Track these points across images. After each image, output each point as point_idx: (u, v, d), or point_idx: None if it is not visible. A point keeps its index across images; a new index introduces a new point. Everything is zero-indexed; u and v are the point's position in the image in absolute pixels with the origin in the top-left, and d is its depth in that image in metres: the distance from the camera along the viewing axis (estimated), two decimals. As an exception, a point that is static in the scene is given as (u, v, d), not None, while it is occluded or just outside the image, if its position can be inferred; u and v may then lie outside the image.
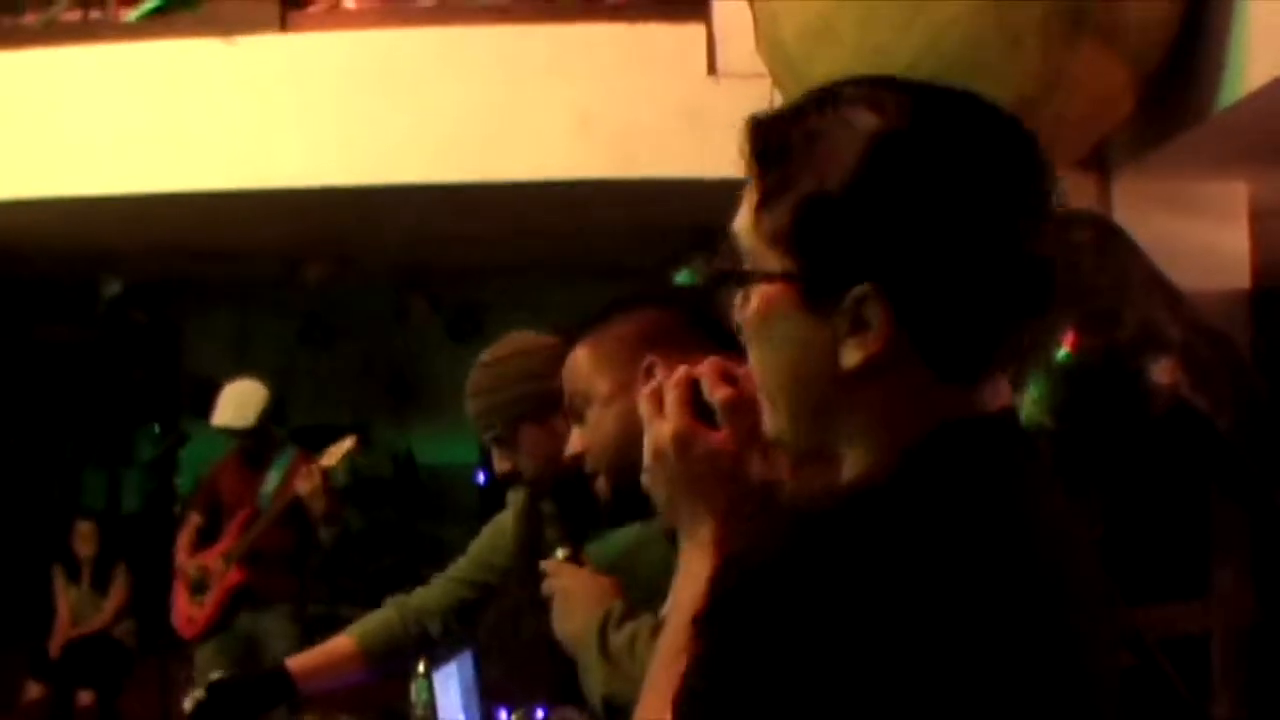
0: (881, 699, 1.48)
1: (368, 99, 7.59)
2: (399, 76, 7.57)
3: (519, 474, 3.82)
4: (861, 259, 1.63)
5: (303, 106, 7.64)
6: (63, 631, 11.38)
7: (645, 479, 2.03)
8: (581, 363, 3.08)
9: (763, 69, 6.02)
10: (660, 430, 1.98)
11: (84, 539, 11.55)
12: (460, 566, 4.51)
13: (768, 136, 1.74)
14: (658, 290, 3.00)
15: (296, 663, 4.37)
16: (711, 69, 7.25)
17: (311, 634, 7.65)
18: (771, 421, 1.79)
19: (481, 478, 3.94)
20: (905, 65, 5.16)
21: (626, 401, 2.94)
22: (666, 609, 2.05)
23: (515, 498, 4.36)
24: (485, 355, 4.17)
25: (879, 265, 1.63)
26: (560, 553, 3.26)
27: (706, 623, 1.58)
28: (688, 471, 1.97)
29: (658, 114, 7.23)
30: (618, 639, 2.87)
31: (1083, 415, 4.51)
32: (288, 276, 10.42)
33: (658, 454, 1.97)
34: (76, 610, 11.43)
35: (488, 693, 5.26)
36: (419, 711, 4.60)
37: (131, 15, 8.19)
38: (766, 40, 5.80)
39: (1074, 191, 6.18)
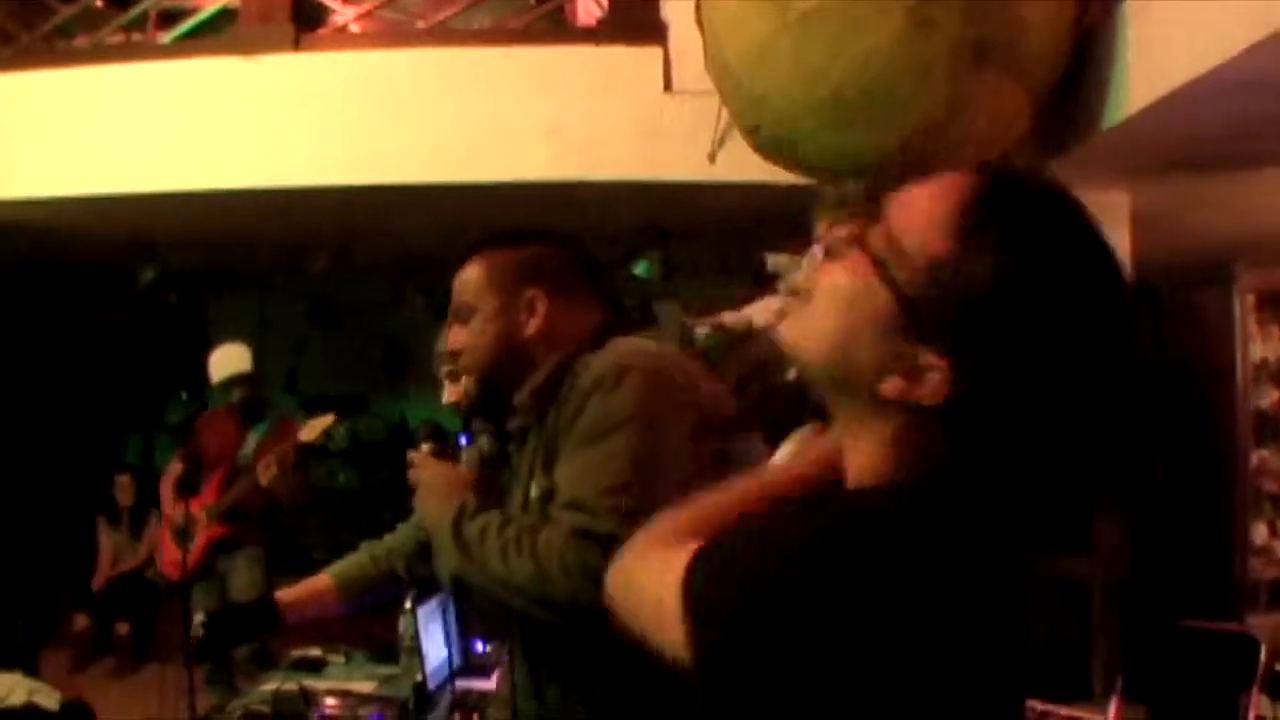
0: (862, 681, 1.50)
1: (370, 110, 7.57)
2: (397, 91, 7.56)
3: (460, 404, 3.84)
4: (961, 337, 1.57)
5: (313, 116, 7.63)
6: (105, 570, 11.48)
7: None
8: (474, 276, 3.22)
9: (712, 87, 6.03)
10: None
11: (123, 489, 11.77)
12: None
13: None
14: (548, 230, 3.06)
15: (283, 595, 4.39)
16: (667, 86, 7.24)
17: (272, 574, 7.74)
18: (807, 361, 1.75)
19: (464, 440, 3.94)
20: (833, 87, 5.18)
21: (504, 320, 3.13)
22: None
23: (467, 451, 4.37)
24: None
25: (970, 349, 1.57)
26: (425, 446, 3.33)
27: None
28: None
29: (620, 125, 7.22)
30: (470, 529, 2.95)
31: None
32: (298, 265, 10.40)
33: None
34: (117, 551, 11.49)
35: (466, 627, 5.27)
36: (406, 643, 4.60)
37: (167, 38, 8.17)
38: (714, 62, 5.81)
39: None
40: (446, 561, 3.00)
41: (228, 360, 8.28)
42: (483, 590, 2.92)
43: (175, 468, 8.59)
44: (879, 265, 1.63)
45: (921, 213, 1.66)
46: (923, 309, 1.59)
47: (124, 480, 11.88)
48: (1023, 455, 1.62)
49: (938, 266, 1.58)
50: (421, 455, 3.31)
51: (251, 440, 8.23)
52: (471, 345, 3.19)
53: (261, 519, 8.03)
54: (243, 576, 8.13)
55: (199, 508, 8.11)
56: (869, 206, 1.77)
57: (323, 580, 4.49)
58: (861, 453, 1.69)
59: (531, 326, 3.12)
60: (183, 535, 8.01)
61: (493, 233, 3.31)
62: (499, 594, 2.87)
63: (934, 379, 1.57)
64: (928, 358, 1.57)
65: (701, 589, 1.60)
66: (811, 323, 1.71)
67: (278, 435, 8.16)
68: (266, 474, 7.80)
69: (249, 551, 7.87)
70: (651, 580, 1.75)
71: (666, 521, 1.86)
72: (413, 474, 3.29)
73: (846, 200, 4.82)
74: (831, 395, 1.73)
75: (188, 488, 8.19)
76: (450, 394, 4.23)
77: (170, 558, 8.26)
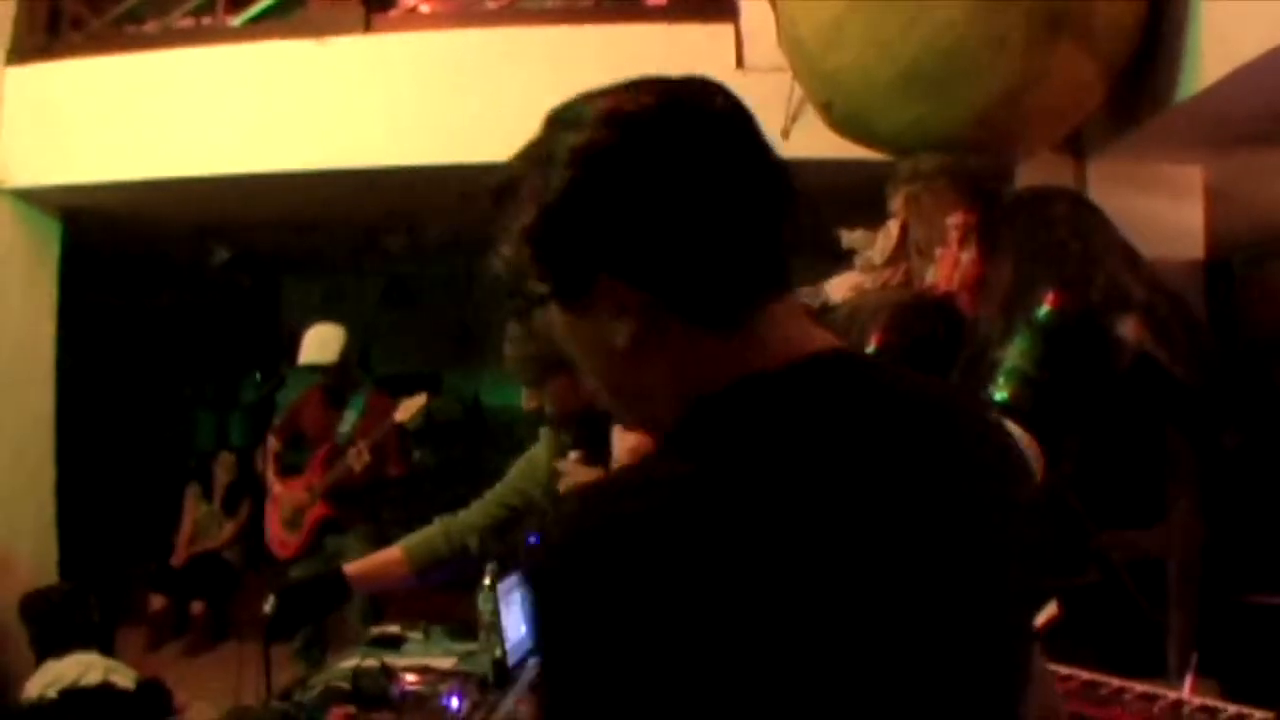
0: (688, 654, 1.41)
1: (440, 90, 7.59)
2: (468, 70, 7.56)
3: (543, 411, 3.82)
4: (589, 258, 1.64)
5: (384, 97, 7.66)
6: (184, 547, 11.58)
7: None
8: None
9: (784, 63, 6.01)
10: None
11: (225, 467, 11.97)
12: (497, 491, 4.56)
13: (499, 183, 1.79)
14: None
15: (352, 568, 4.44)
16: (740, 63, 7.23)
17: None
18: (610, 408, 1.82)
19: (538, 418, 4.00)
20: (908, 61, 5.15)
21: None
22: None
23: (545, 432, 4.37)
24: None
25: (605, 257, 1.63)
26: (573, 455, 3.30)
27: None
28: None
29: (692, 104, 7.22)
30: None
31: (1062, 366, 4.49)
32: (370, 245, 10.43)
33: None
34: (201, 526, 11.59)
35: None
36: (486, 619, 4.61)
37: (237, 21, 8.20)
38: (787, 38, 5.79)
39: (1053, 171, 6.17)
40: None
41: (314, 346, 8.30)
42: None
43: (273, 445, 8.65)
44: (527, 300, 1.77)
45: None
46: (557, 277, 1.69)
47: (227, 458, 12.06)
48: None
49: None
50: (571, 464, 3.30)
51: (348, 419, 8.26)
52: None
53: (369, 497, 8.04)
54: (357, 556, 8.15)
55: (304, 488, 8.18)
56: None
57: (394, 553, 4.53)
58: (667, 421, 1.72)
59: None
60: (293, 521, 8.09)
61: None
62: None
63: (619, 293, 1.63)
64: (598, 296, 1.65)
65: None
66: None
67: (372, 413, 8.20)
68: (360, 460, 7.85)
69: (361, 530, 7.89)
70: None
71: None
72: (562, 482, 3.28)
73: (921, 174, 4.79)
74: (639, 409, 1.79)
75: (290, 469, 8.27)
76: (530, 400, 4.23)
77: (278, 536, 8.32)
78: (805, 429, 1.57)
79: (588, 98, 1.75)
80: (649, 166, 1.63)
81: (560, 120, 1.73)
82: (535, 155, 1.71)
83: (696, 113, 1.70)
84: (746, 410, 1.60)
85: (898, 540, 1.54)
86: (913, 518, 1.57)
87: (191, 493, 11.80)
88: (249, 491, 11.60)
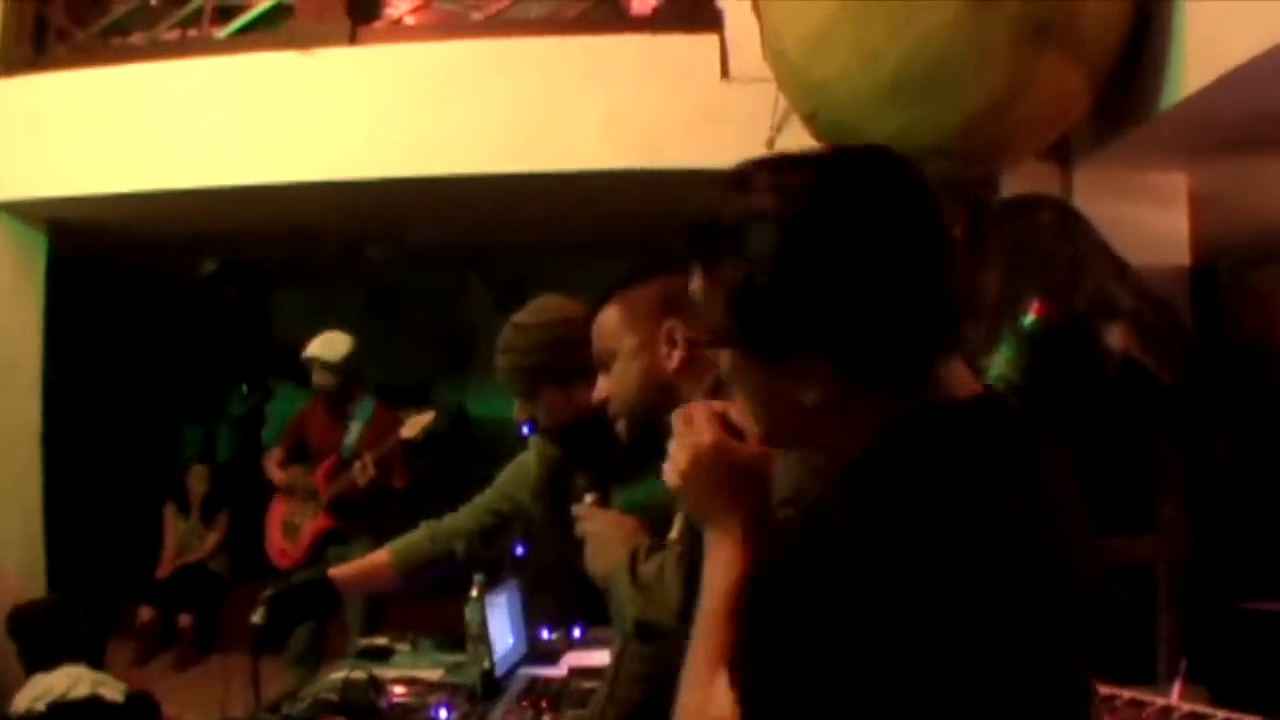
0: (889, 648, 1.60)
1: (426, 102, 7.59)
2: (453, 82, 7.57)
3: (535, 422, 3.81)
4: (792, 331, 1.76)
5: (370, 109, 7.66)
6: (170, 560, 11.57)
7: (677, 480, 2.02)
8: (611, 320, 3.10)
9: (769, 74, 6.02)
10: (699, 440, 1.99)
11: (198, 479, 11.93)
12: (486, 497, 4.56)
13: (696, 234, 1.92)
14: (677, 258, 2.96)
15: (338, 572, 4.44)
16: (724, 73, 7.23)
17: None
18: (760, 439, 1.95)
19: (526, 429, 3.96)
20: (893, 70, 5.16)
21: (648, 357, 3.01)
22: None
23: (536, 441, 4.37)
24: (519, 316, 4.15)
25: (808, 334, 1.76)
26: (589, 498, 3.26)
27: (751, 605, 1.76)
28: (725, 474, 1.98)
29: (677, 113, 7.22)
30: (647, 569, 2.88)
31: (1047, 373, 4.50)
32: (358, 256, 10.43)
33: (696, 461, 1.98)
34: (183, 540, 11.60)
35: (531, 615, 5.28)
36: (473, 630, 4.61)
37: (223, 33, 8.21)
38: (772, 48, 5.80)
39: (1039, 179, 6.18)
40: (629, 609, 2.92)
41: (321, 343, 8.30)
42: (673, 630, 2.84)
43: (277, 453, 8.64)
44: (717, 343, 1.89)
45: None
46: (757, 339, 1.81)
47: (200, 470, 12.03)
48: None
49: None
50: (587, 507, 3.27)
51: (353, 431, 8.25)
52: (617, 390, 3.09)
53: (371, 508, 8.02)
54: None
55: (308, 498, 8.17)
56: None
57: (380, 556, 4.55)
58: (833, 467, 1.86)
59: (675, 359, 3.00)
60: (290, 530, 8.08)
61: (623, 275, 3.17)
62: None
63: (814, 365, 1.78)
64: (794, 363, 1.79)
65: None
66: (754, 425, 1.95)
67: (377, 426, 8.19)
68: (364, 476, 7.85)
69: (364, 541, 7.88)
70: None
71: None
72: (580, 528, 3.26)
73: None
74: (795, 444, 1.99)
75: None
76: (522, 411, 4.22)
77: (278, 546, 8.31)
78: (973, 463, 1.77)
79: (782, 167, 1.85)
80: (853, 243, 1.75)
81: (758, 185, 1.83)
82: (742, 210, 1.82)
83: (889, 187, 1.83)
84: (924, 447, 1.77)
85: (1048, 555, 1.77)
86: (1053, 537, 1.80)
87: (169, 511, 11.79)
88: (226, 502, 11.66)
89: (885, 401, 1.79)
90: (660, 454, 2.52)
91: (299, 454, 8.49)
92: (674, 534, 2.93)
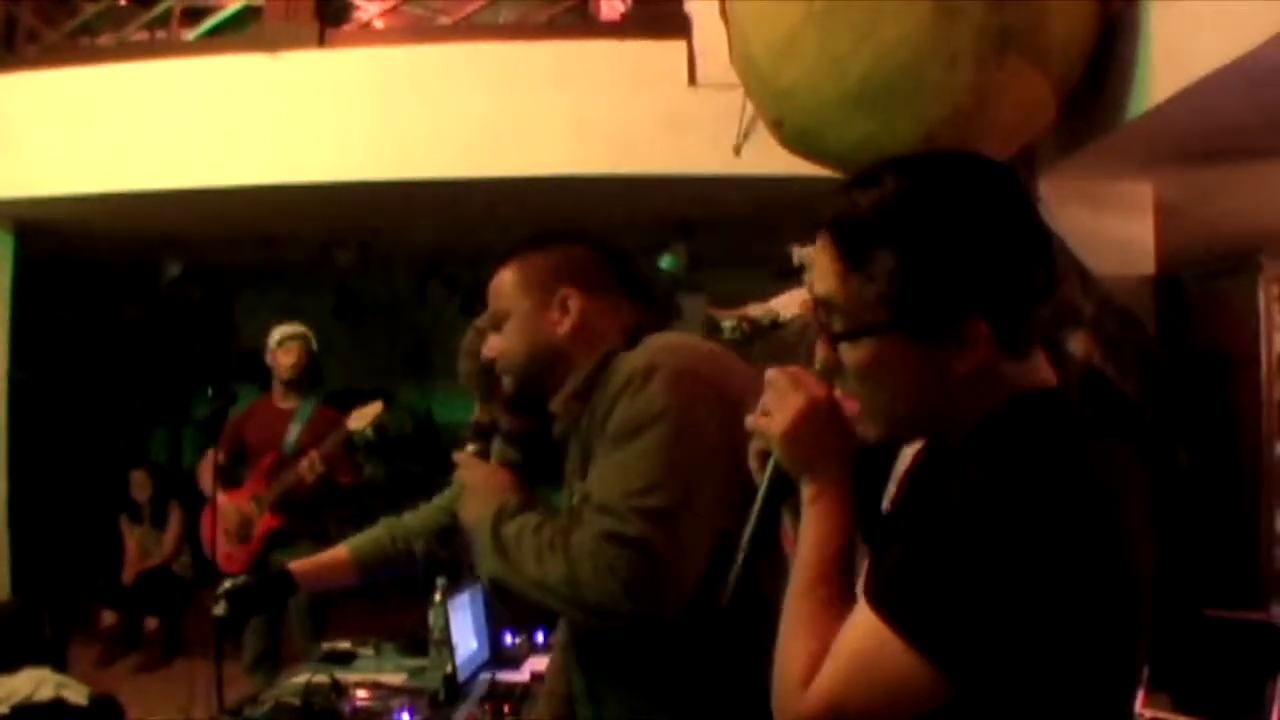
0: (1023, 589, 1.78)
1: (394, 105, 7.59)
2: (421, 86, 7.57)
3: (495, 425, 3.84)
4: (964, 301, 1.89)
5: (337, 112, 7.65)
6: (133, 565, 11.53)
7: (779, 430, 2.09)
8: (507, 282, 3.20)
9: (736, 80, 6.02)
10: (811, 396, 2.07)
11: (139, 485, 11.82)
12: (445, 496, 4.55)
13: (845, 226, 1.99)
14: (580, 230, 3.02)
15: (298, 566, 4.43)
16: (692, 79, 7.25)
17: None
18: (878, 429, 2.07)
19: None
20: (858, 78, 5.17)
21: (537, 321, 3.12)
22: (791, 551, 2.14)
23: (495, 443, 4.38)
24: (481, 319, 4.16)
25: (977, 300, 1.89)
26: (470, 447, 3.31)
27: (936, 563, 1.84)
28: (836, 427, 2.07)
29: (645, 118, 7.24)
30: (508, 530, 2.93)
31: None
32: (323, 260, 10.41)
33: (813, 409, 2.06)
34: (143, 546, 11.55)
35: (495, 618, 5.27)
36: (436, 635, 4.61)
37: (191, 35, 8.20)
38: (739, 55, 5.80)
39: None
40: (486, 564, 2.96)
41: (280, 328, 8.30)
42: (521, 593, 2.89)
43: (211, 455, 8.53)
44: (867, 331, 1.97)
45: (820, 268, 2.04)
46: (920, 316, 1.92)
47: (139, 476, 11.90)
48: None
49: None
50: (466, 456, 3.31)
51: (294, 429, 8.20)
52: (507, 349, 3.17)
53: (317, 508, 7.97)
54: None
55: (248, 498, 8.09)
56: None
57: (339, 552, 4.53)
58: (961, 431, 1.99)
59: (565, 326, 3.09)
60: (242, 535, 8.00)
61: (524, 237, 3.27)
62: (536, 596, 2.85)
63: (974, 330, 1.90)
64: (954, 331, 1.91)
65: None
66: (880, 414, 2.04)
67: (317, 425, 8.14)
68: (311, 473, 7.80)
69: (308, 545, 7.85)
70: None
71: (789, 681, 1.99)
72: (455, 475, 3.29)
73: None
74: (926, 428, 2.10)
75: (230, 480, 8.17)
76: (481, 413, 4.22)
77: (224, 550, 8.20)
78: (1076, 437, 1.93)
79: (902, 162, 2.03)
80: (997, 213, 1.93)
81: (892, 178, 1.97)
82: (881, 201, 1.96)
83: (999, 169, 2.02)
84: (1039, 423, 1.93)
85: (1146, 529, 1.95)
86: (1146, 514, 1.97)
87: (123, 521, 11.75)
88: (172, 497, 11.63)
89: (1006, 370, 1.94)
90: (539, 406, 2.68)
91: (237, 457, 8.40)
92: (573, 504, 3.03)
